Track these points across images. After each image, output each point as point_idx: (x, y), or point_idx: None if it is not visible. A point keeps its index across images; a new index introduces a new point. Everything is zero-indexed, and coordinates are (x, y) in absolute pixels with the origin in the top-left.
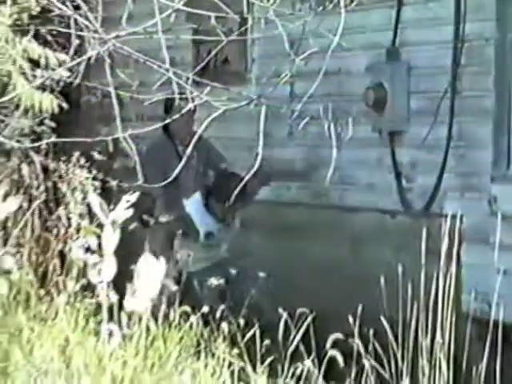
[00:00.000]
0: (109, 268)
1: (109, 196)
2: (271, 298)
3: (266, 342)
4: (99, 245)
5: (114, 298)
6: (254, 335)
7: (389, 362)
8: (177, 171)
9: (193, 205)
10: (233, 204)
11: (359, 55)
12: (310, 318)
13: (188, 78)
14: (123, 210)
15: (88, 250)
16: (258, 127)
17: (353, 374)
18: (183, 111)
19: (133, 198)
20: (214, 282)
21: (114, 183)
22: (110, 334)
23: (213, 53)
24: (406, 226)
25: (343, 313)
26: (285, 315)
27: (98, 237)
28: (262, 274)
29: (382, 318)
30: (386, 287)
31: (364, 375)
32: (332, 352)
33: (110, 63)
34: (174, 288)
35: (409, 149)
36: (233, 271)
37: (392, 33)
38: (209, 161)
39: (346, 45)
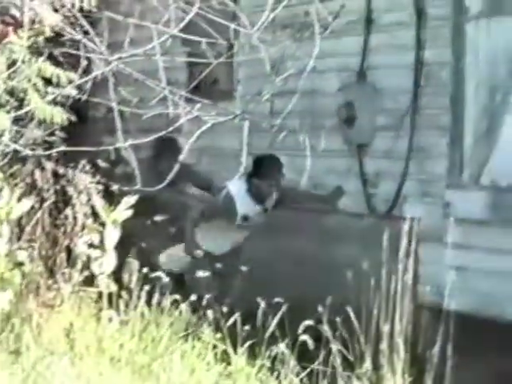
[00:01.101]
0: (109, 261)
1: (111, 198)
2: (252, 289)
3: (246, 327)
4: (101, 241)
5: (114, 287)
6: (235, 322)
7: (353, 346)
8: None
9: (235, 187)
10: (272, 186)
11: (332, 77)
12: (284, 307)
13: (181, 96)
14: (123, 211)
15: (91, 245)
16: (242, 139)
17: (321, 357)
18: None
19: (132, 200)
20: (201, 274)
21: (115, 187)
22: (110, 320)
23: (203, 73)
24: (371, 227)
25: (314, 303)
26: (263, 304)
27: (101, 234)
28: (244, 268)
29: (349, 308)
30: (353, 280)
31: (331, 357)
32: (303, 337)
33: (113, 82)
34: (166, 279)
35: (374, 159)
36: (218, 265)
37: (361, 57)
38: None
39: (320, 67)
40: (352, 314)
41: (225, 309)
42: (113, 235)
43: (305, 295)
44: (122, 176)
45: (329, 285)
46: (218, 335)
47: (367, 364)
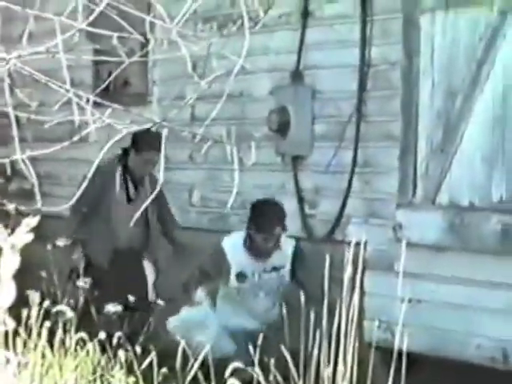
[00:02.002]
0: (7, 293)
1: (5, 219)
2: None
3: (164, 369)
4: None
5: (11, 324)
6: (151, 363)
7: None
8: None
9: (229, 241)
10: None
11: (263, 78)
12: (208, 346)
13: (88, 100)
14: (23, 234)
15: None
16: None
17: None
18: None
19: (33, 221)
20: (111, 308)
21: (11, 206)
22: (7, 362)
23: (114, 73)
24: (308, 253)
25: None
26: (183, 342)
27: None
28: (160, 302)
29: (283, 347)
30: (288, 316)
31: None
32: (231, 381)
33: (9, 83)
34: (70, 314)
35: (312, 174)
36: (131, 298)
37: (296, 56)
38: (160, 216)
39: (250, 67)
40: (287, 355)
41: (138, 348)
42: (11, 262)
43: None
44: (17, 193)
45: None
46: (131, 379)
47: None
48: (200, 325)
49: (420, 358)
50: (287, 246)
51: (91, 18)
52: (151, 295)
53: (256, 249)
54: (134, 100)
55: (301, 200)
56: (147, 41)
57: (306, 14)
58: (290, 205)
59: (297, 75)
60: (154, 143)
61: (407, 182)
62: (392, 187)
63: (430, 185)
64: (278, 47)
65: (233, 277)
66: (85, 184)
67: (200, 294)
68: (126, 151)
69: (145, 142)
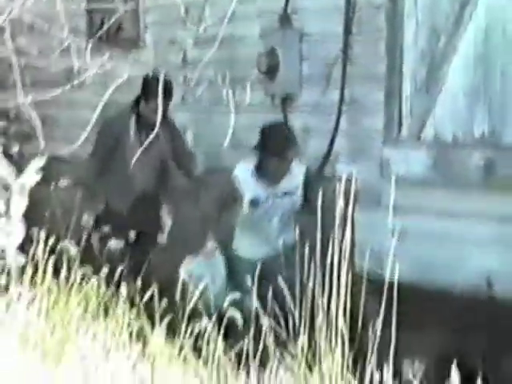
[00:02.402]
0: (17, 232)
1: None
2: (170, 260)
3: (164, 302)
4: (7, 209)
5: (22, 260)
6: (152, 295)
7: (286, 322)
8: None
9: (240, 168)
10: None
11: (252, 22)
12: (208, 279)
13: (87, 45)
14: (32, 175)
15: None
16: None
17: (251, 333)
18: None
19: (41, 162)
20: (113, 244)
21: (15, 149)
22: (20, 296)
23: (111, 21)
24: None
25: None
26: (183, 275)
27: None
28: (161, 238)
29: (280, 278)
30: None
31: (262, 334)
32: (230, 311)
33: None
34: (74, 250)
35: (301, 113)
36: (132, 234)
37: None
38: (177, 154)
39: (239, 11)
40: (284, 286)
41: (139, 282)
42: (21, 203)
43: None
44: (17, 135)
45: None
46: (133, 311)
47: (302, 341)
48: (209, 279)
49: (408, 288)
50: (299, 171)
51: None
52: (162, 239)
53: (266, 174)
54: (127, 45)
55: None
56: None
57: None
58: None
59: (285, 18)
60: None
61: (393, 120)
62: (378, 125)
63: (415, 122)
64: None
65: (246, 204)
66: (89, 127)
67: (211, 246)
68: (138, 99)
69: (154, 89)
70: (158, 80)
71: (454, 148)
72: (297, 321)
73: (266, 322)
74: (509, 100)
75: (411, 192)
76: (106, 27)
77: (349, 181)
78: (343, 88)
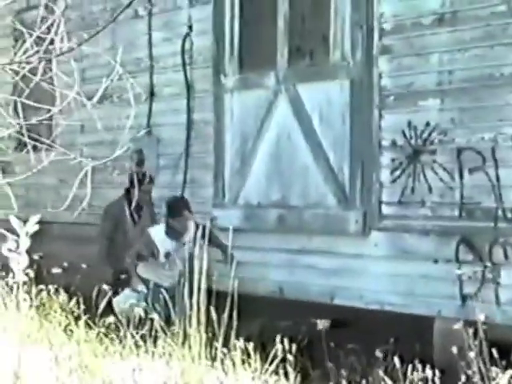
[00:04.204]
0: (23, 260)
1: None
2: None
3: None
4: (17, 246)
5: (26, 278)
6: (78, 302)
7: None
8: None
9: (155, 231)
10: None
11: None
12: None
13: None
14: (33, 225)
15: (10, 250)
16: None
17: (148, 324)
18: None
19: (37, 217)
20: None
21: None
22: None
23: None
24: None
25: None
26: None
27: (17, 242)
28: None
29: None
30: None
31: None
32: (137, 309)
33: None
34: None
35: (158, 189)
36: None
37: (147, 118)
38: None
39: (119, 125)
40: (164, 293)
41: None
42: (25, 243)
43: None
44: None
45: None
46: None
47: (176, 326)
48: (136, 303)
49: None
50: (192, 227)
51: None
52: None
53: (174, 233)
54: None
55: (152, 205)
56: None
57: (152, 93)
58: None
59: (148, 130)
60: (183, 207)
61: (219, 192)
62: (209, 195)
63: (233, 193)
64: (136, 114)
65: (162, 256)
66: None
67: (136, 281)
68: (127, 190)
69: (140, 179)
70: (142, 174)
71: (258, 208)
72: (173, 316)
73: (156, 317)
74: (292, 180)
75: (233, 236)
76: None
77: (203, 227)
78: (186, 173)
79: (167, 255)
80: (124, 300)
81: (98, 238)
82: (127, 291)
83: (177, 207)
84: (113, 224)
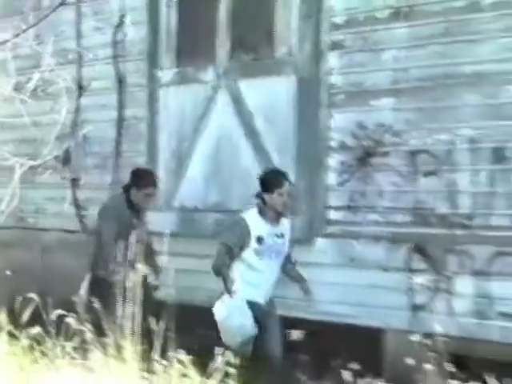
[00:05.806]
0: None
1: None
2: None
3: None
4: None
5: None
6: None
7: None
8: None
9: (248, 216)
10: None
11: (54, 128)
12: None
13: None
14: None
15: None
16: None
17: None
18: None
19: None
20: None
21: None
22: None
23: None
24: (82, 241)
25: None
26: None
27: None
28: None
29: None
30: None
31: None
32: (67, 319)
33: None
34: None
35: (84, 190)
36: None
37: (74, 114)
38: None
39: (43, 121)
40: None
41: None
42: None
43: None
44: None
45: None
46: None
47: (110, 339)
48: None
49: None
50: (287, 220)
51: None
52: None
53: (269, 215)
54: None
55: (77, 206)
56: None
57: (80, 87)
58: (70, 210)
59: (74, 127)
60: (151, 179)
61: None
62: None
63: (168, 196)
64: (60, 109)
65: (253, 239)
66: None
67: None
68: (127, 188)
69: (144, 179)
70: (146, 172)
71: (194, 212)
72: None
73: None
74: (231, 183)
75: (166, 241)
76: None
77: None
78: (115, 173)
79: (259, 240)
80: (230, 314)
81: (105, 242)
82: (227, 298)
83: (270, 181)
84: (117, 226)
